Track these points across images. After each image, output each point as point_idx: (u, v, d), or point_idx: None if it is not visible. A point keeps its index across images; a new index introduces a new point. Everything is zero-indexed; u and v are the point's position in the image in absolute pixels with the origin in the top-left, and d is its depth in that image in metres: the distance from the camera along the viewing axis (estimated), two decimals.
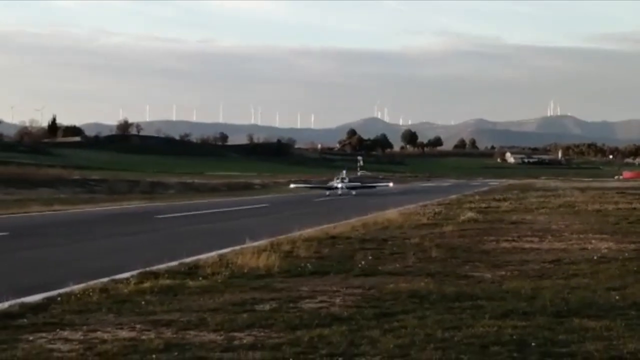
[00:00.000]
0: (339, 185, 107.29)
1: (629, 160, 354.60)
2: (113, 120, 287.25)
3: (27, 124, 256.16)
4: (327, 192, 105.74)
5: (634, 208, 63.10)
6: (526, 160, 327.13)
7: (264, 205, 74.74)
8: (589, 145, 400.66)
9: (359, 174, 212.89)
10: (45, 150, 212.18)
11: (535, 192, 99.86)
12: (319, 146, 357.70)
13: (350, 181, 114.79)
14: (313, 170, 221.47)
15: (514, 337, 14.75)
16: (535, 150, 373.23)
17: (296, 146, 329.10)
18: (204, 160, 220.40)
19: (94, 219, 53.74)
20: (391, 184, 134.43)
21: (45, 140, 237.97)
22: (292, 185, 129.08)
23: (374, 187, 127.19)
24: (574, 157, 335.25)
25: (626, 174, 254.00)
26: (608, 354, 13.63)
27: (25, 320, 16.95)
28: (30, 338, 15.22)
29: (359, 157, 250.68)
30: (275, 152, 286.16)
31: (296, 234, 38.18)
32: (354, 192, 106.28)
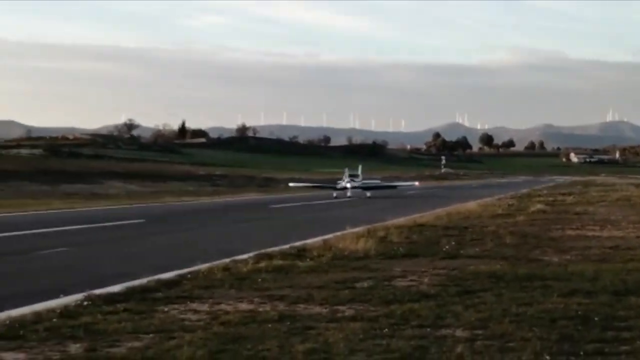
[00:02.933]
0: (347, 186, 77.55)
1: None
2: (233, 124, 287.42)
3: (161, 127, 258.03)
4: (335, 194, 76.43)
5: None
6: (588, 159, 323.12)
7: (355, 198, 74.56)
8: None
9: (442, 171, 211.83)
10: (176, 149, 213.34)
11: (596, 188, 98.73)
12: (408, 147, 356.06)
13: (363, 181, 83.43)
14: (403, 168, 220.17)
15: (579, 312, 14.60)
16: (596, 151, 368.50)
17: (388, 147, 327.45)
18: (310, 159, 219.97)
19: (217, 208, 54.04)
20: (417, 183, 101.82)
21: (176, 141, 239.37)
22: (291, 184, 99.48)
23: (394, 187, 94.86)
24: (630, 157, 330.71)
25: None
26: None
27: (160, 294, 17.12)
28: (165, 309, 15.40)
29: (442, 157, 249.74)
30: (370, 152, 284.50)
31: (389, 222, 38.05)
32: (368, 194, 77.65)
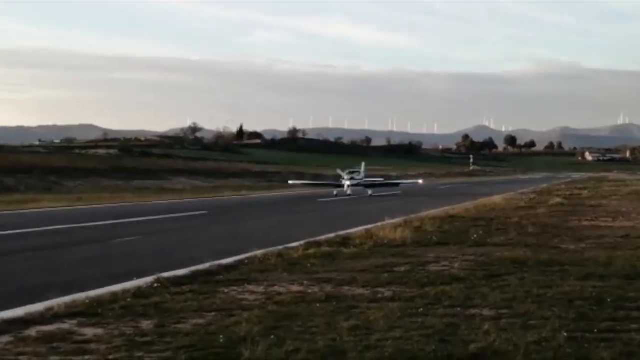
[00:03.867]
0: (347, 184, 66.59)
1: None
2: (285, 127, 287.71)
3: (221, 130, 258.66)
4: (335, 192, 65.85)
5: None
6: (601, 158, 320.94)
7: (396, 192, 74.36)
8: None
9: (471, 168, 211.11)
10: (235, 150, 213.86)
11: (608, 183, 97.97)
12: (440, 147, 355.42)
13: (365, 179, 72.95)
14: (435, 165, 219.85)
15: (593, 294, 14.54)
16: (608, 150, 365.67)
17: (423, 147, 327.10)
18: (353, 158, 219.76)
19: (271, 201, 54.16)
20: (420, 181, 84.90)
21: (235, 142, 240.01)
22: (290, 182, 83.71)
23: (397, 184, 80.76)
24: (639, 156, 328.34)
25: None
26: None
27: (221, 276, 17.19)
28: (225, 290, 15.48)
29: (471, 156, 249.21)
30: (407, 152, 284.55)
31: (423, 214, 38.01)
32: (369, 192, 66.48)
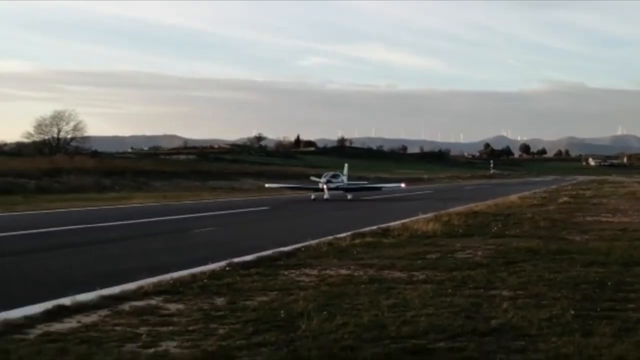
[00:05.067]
0: (325, 187, 53.86)
1: None
2: (334, 136, 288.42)
3: (282, 139, 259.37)
4: (313, 196, 54.48)
5: None
6: (602, 163, 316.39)
7: (425, 191, 74.16)
8: None
9: (491, 172, 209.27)
10: (292, 155, 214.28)
11: (609, 185, 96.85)
12: (465, 154, 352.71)
13: (348, 182, 60.28)
14: (461, 169, 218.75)
15: (596, 278, 14.41)
16: (608, 157, 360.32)
17: (451, 154, 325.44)
18: (391, 163, 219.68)
19: (324, 199, 54.05)
20: (403, 185, 68.64)
21: (292, 149, 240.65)
22: (267, 185, 68.74)
23: (379, 188, 65.84)
24: (635, 162, 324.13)
25: None
26: None
27: (282, 262, 17.23)
28: (285, 273, 15.53)
29: (491, 161, 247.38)
30: (437, 158, 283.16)
31: (451, 210, 37.89)
32: (349, 196, 54.43)
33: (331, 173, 56.34)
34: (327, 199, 50.72)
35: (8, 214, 34.96)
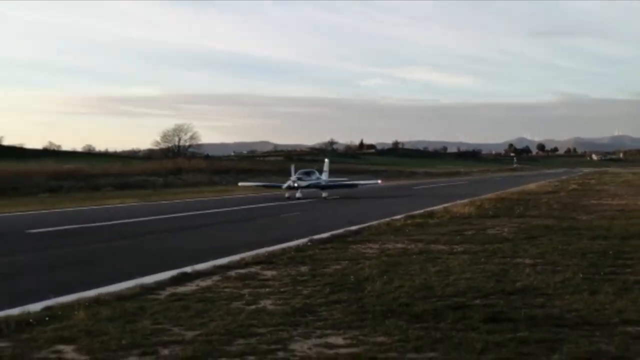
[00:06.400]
0: (295, 185, 39.33)
1: None
2: (390, 140, 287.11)
3: (349, 143, 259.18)
4: (287, 194, 39.71)
5: None
6: (603, 158, 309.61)
7: (461, 182, 73.33)
8: (638, 150, 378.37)
9: (514, 166, 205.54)
10: (358, 156, 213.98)
11: (608, 175, 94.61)
12: (493, 152, 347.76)
13: (328, 178, 45.64)
14: (490, 164, 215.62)
15: (600, 249, 14.18)
16: (608, 153, 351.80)
17: (482, 153, 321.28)
18: (434, 161, 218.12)
19: (381, 189, 53.86)
20: (380, 181, 53.50)
21: (357, 151, 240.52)
22: (240, 184, 51.29)
23: (355, 185, 46.91)
24: (629, 157, 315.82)
25: None
26: None
27: (350, 238, 17.27)
28: (353, 247, 15.53)
29: (514, 158, 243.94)
30: (471, 156, 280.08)
31: (483, 196, 37.56)
32: (324, 194, 40.33)
33: (304, 170, 42.18)
34: (298, 197, 38.08)
35: (143, 203, 35.71)
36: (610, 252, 13.70)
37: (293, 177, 39.22)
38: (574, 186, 52.78)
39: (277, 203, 35.17)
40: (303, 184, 39.22)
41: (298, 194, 38.61)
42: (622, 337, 7.42)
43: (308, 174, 41.04)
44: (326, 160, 47.28)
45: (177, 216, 26.87)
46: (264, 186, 47.92)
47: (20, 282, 11.77)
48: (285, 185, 39.26)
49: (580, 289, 9.98)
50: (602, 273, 11.37)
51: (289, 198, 38.14)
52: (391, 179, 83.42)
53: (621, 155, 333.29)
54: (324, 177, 43.44)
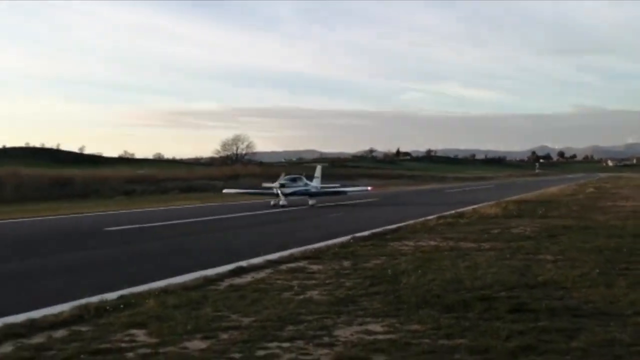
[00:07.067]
0: (278, 192, 32.91)
1: None
2: (423, 148, 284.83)
3: (387, 151, 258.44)
4: (272, 202, 33.03)
5: None
6: (618, 164, 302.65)
7: (488, 186, 72.35)
8: None
9: (536, 171, 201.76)
10: (395, 162, 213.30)
11: (622, 180, 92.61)
12: (517, 159, 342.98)
13: (320, 185, 38.10)
14: (515, 170, 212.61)
15: (614, 246, 13.92)
16: (622, 159, 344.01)
17: (507, 159, 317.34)
18: (464, 167, 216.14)
19: (415, 192, 53.60)
20: (369, 188, 40.54)
21: (395, 158, 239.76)
22: (224, 191, 40.74)
23: (345, 192, 37.86)
24: None
25: None
26: None
27: (388, 236, 17.20)
28: (391, 244, 15.45)
29: (536, 164, 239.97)
30: (497, 162, 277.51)
31: (507, 198, 37.06)
32: (311, 202, 33.32)
33: (290, 176, 35.96)
34: (283, 205, 32.02)
35: (207, 204, 35.99)
36: (624, 250, 13.40)
37: (276, 184, 33.14)
38: (591, 189, 51.73)
39: (323, 205, 35.18)
40: (286, 191, 33.04)
41: (282, 202, 32.29)
42: (634, 327, 7.28)
43: (294, 180, 34.83)
44: (318, 166, 39.90)
45: (234, 216, 27.08)
46: (250, 193, 38.47)
47: (98, 273, 11.99)
48: (276, 189, 33.17)
49: (597, 283, 9.80)
50: (616, 268, 11.14)
51: (274, 206, 31.97)
52: (423, 184, 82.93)
53: (634, 161, 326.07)
54: (315, 183, 36.93)
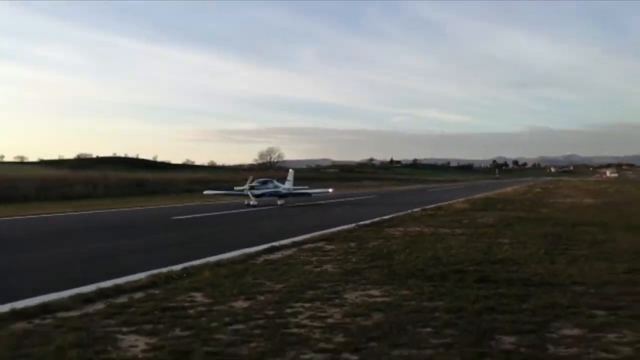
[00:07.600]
0: (248, 194, 28.08)
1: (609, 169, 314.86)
2: (411, 157, 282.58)
3: (383, 160, 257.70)
4: (246, 202, 27.99)
5: (602, 188, 57.24)
6: (559, 171, 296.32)
7: (460, 187, 71.68)
8: (584, 165, 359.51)
9: (497, 176, 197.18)
10: (389, 169, 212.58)
11: (563, 182, 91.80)
12: (482, 166, 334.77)
13: (292, 187, 32.04)
14: (479, 174, 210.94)
15: (556, 232, 13.79)
16: (563, 167, 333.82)
17: (474, 166, 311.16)
18: (442, 172, 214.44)
19: (403, 192, 53.25)
20: (330, 190, 34.46)
21: (389, 165, 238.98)
22: (205, 192, 34.08)
23: (309, 194, 32.18)
24: (577, 170, 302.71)
25: (598, 175, 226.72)
26: (593, 239, 12.50)
27: (384, 224, 17.07)
28: (386, 229, 15.33)
29: (497, 170, 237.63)
30: (466, 169, 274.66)
31: (475, 196, 36.75)
32: (279, 202, 28.82)
33: (262, 179, 30.71)
34: (254, 205, 27.69)
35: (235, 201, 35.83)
36: (564, 235, 13.26)
37: (246, 186, 29.01)
38: (538, 190, 51.21)
39: (331, 201, 35.08)
40: (256, 192, 28.87)
41: (252, 202, 28.11)
42: (572, 294, 7.23)
43: (265, 183, 30.27)
44: (290, 170, 35.82)
45: (271, 208, 27.06)
46: (229, 194, 32.41)
47: (168, 251, 12.06)
48: (246, 191, 28.87)
49: (543, 260, 9.72)
50: (558, 249, 11.03)
51: (247, 205, 27.72)
52: (410, 184, 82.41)
53: (571, 168, 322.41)
54: (287, 185, 32.26)
